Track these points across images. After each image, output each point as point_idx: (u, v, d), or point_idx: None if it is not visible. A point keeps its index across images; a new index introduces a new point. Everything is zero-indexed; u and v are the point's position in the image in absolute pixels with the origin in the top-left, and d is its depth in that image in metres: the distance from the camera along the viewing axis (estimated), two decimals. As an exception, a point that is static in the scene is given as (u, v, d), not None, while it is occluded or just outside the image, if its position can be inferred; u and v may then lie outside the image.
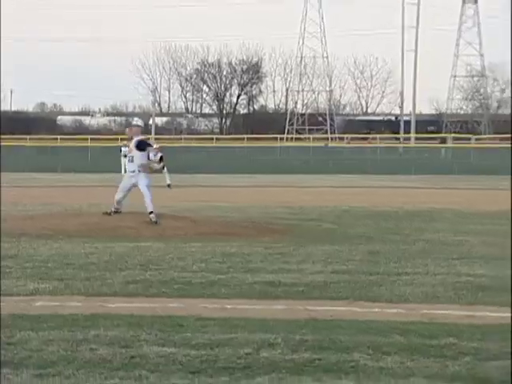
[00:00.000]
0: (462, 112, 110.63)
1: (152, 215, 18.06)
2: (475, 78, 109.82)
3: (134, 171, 18.52)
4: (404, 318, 9.38)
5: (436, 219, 21.55)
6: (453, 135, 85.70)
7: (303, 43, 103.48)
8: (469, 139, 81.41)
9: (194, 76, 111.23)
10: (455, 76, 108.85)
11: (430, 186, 39.77)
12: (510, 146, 55.22)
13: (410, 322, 9.14)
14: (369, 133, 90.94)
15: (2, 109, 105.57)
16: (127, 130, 19.93)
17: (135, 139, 18.69)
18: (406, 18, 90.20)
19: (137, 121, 21.29)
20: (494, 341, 8.16)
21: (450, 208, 24.87)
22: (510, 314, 9.30)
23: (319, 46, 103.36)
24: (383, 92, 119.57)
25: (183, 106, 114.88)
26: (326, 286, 11.36)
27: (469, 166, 56.35)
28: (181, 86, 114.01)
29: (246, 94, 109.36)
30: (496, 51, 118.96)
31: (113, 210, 18.73)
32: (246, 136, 76.36)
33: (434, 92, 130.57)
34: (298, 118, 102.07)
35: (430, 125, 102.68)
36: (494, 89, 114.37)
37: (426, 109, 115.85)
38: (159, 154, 25.92)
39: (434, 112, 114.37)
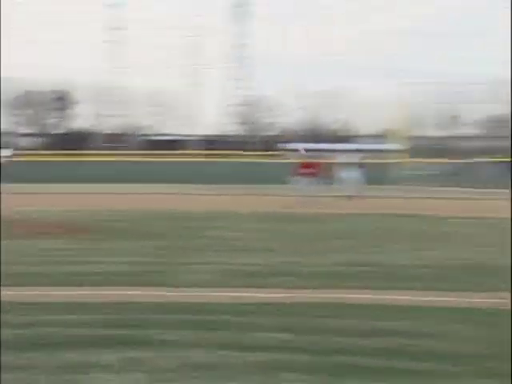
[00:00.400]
0: (237, 133, 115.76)
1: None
2: (247, 107, 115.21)
3: None
4: (183, 299, 9.47)
5: (218, 219, 21.80)
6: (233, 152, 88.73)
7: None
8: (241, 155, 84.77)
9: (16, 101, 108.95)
10: (230, 105, 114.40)
11: (215, 193, 40.18)
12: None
13: (187, 302, 9.26)
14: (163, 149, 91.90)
15: None
16: None
17: None
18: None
19: None
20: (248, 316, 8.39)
21: (228, 210, 25.23)
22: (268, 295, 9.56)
23: (122, 77, 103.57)
24: (174, 116, 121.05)
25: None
26: (123, 275, 11.33)
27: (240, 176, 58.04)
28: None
29: (61, 117, 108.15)
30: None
31: None
32: (63, 152, 75.18)
33: (214, 117, 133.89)
34: (105, 137, 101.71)
35: (211, 143, 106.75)
36: (262, 115, 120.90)
37: (208, 131, 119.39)
38: None
39: (214, 133, 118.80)
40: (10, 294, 9.55)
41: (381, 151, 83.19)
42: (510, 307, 9.06)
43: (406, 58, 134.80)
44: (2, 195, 28.62)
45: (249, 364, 6.44)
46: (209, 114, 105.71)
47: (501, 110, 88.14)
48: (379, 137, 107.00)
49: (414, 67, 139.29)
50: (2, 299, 9.04)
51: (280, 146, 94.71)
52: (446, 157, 74.28)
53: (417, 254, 14.25)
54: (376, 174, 56.95)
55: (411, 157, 73.87)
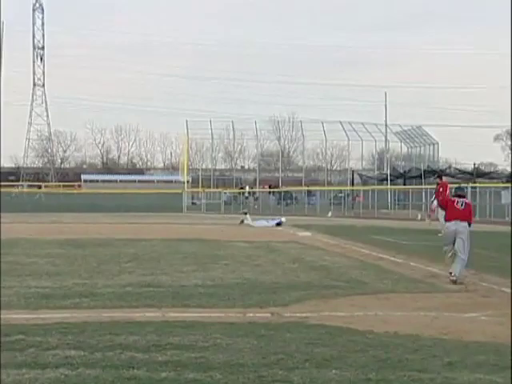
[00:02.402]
0: (35, 165, 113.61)
1: None
2: (44, 141, 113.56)
3: None
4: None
5: (18, 246, 20.99)
6: (29, 183, 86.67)
7: None
8: (40, 187, 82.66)
9: None
10: (29, 138, 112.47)
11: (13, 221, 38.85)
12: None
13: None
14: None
15: None
16: None
17: None
18: None
19: None
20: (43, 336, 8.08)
21: (24, 237, 24.35)
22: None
23: None
24: None
25: None
26: None
27: (40, 206, 56.34)
28: None
29: None
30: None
31: None
32: None
33: (13, 150, 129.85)
34: None
35: (11, 175, 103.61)
36: (58, 149, 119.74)
37: (7, 162, 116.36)
38: None
39: (13, 165, 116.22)
40: None
41: (170, 182, 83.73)
42: (281, 322, 9.30)
43: (191, 99, 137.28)
44: None
45: (40, 382, 6.18)
46: (6, 148, 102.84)
47: (274, 146, 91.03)
48: (168, 169, 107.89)
49: (197, 107, 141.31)
50: None
51: (77, 177, 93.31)
52: (226, 187, 75.82)
53: (202, 275, 14.34)
54: (165, 202, 57.38)
55: (196, 187, 74.89)
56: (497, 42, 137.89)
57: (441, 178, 32.53)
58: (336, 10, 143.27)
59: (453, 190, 16.50)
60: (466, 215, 14.65)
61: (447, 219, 14.95)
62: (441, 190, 30.83)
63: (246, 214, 35.00)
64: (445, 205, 15.57)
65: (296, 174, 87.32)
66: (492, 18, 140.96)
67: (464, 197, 15.44)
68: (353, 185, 73.50)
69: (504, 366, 6.79)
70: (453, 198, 15.23)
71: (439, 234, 25.67)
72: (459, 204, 14.77)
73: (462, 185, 28.38)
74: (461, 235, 14.32)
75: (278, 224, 33.96)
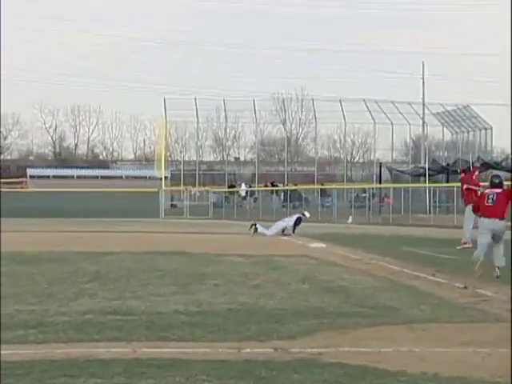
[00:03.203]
0: None
1: None
2: None
3: None
4: None
5: None
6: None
7: None
8: None
9: None
10: None
11: None
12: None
13: None
14: None
15: None
16: None
17: None
18: None
19: None
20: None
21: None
22: None
23: None
24: None
25: None
26: None
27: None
28: None
29: None
30: None
31: None
32: None
33: None
34: None
35: None
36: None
37: None
38: None
39: None
40: None
41: (143, 178, 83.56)
42: (286, 359, 9.32)
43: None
44: None
45: None
46: None
47: (278, 131, 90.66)
48: (141, 161, 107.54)
49: (178, 82, 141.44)
50: None
51: (21, 171, 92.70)
52: (215, 184, 75.42)
53: (185, 298, 14.34)
54: (136, 205, 57.26)
55: (177, 184, 74.52)
56: None
57: (464, 172, 30.63)
58: None
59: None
60: (498, 211, 14.84)
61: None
62: (465, 187, 29.64)
63: (255, 225, 34.65)
64: (476, 206, 15.93)
65: (306, 168, 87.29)
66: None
67: (500, 186, 15.49)
68: (380, 182, 73.48)
69: None
70: (485, 192, 15.37)
71: (458, 247, 25.71)
72: (489, 199, 14.91)
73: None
74: (498, 238, 14.67)
75: (298, 221, 33.76)
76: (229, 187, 73.02)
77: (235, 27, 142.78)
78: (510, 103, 70.41)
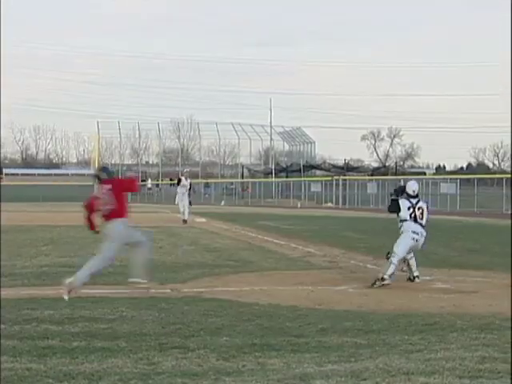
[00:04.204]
0: None
1: None
2: None
3: None
4: None
5: None
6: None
7: None
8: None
9: None
10: None
11: None
12: None
13: None
14: None
15: None
16: None
17: None
18: None
19: None
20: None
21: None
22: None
23: None
24: None
25: None
26: None
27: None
28: None
29: None
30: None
31: None
32: None
33: None
34: None
35: None
36: None
37: None
38: None
39: None
40: None
41: (83, 175, 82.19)
42: (180, 296, 9.26)
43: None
44: None
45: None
46: None
47: (175, 144, 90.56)
48: (81, 164, 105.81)
49: (107, 110, 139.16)
50: None
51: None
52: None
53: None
54: (78, 193, 56.10)
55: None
56: (366, 56, 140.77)
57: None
58: (227, 27, 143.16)
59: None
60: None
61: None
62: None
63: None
64: None
65: (194, 169, 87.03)
66: (364, 38, 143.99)
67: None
68: (242, 177, 73.88)
69: (367, 331, 6.96)
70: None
71: None
72: None
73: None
74: None
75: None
76: (141, 181, 72.79)
77: (145, 70, 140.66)
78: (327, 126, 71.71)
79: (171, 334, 6.75)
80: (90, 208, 9.47)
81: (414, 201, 10.80)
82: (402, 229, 10.79)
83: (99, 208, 9.36)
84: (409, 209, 10.69)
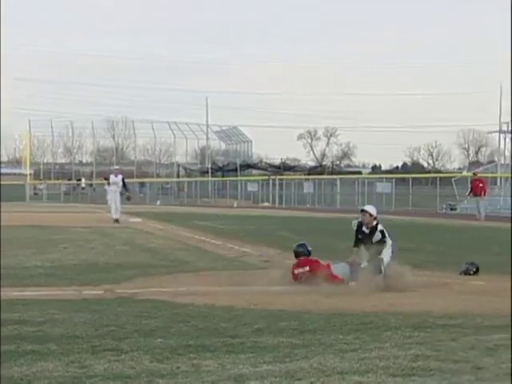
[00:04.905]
0: None
1: None
2: None
3: None
4: None
5: None
6: None
7: None
8: None
9: None
10: None
11: None
12: None
13: None
14: None
15: None
16: None
17: None
18: None
19: None
20: None
21: None
22: None
23: None
24: None
25: None
26: None
27: None
28: None
29: None
30: None
31: None
32: None
33: None
34: None
35: None
36: None
37: None
38: None
39: None
40: None
41: (14, 174, 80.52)
42: (113, 297, 9.17)
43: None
44: None
45: None
46: None
47: (109, 143, 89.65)
48: (12, 163, 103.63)
49: (39, 108, 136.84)
50: None
51: None
52: (65, 178, 74.05)
53: (42, 257, 13.90)
54: (9, 192, 55.07)
55: (37, 178, 72.46)
56: (302, 55, 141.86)
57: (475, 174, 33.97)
58: (162, 24, 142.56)
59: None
60: None
61: None
62: (481, 185, 31.34)
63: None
64: None
65: (129, 168, 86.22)
66: (300, 37, 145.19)
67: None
68: (178, 177, 73.55)
69: (303, 330, 7.01)
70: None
71: None
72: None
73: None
74: None
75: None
76: (77, 180, 71.83)
77: (78, 71, 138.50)
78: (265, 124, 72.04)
79: (104, 337, 6.66)
80: None
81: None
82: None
83: None
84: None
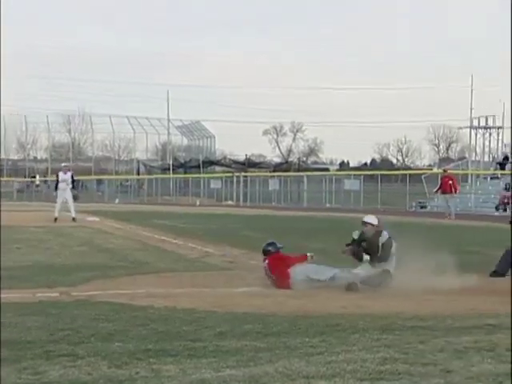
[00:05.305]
0: None
1: None
2: None
3: None
4: None
5: None
6: None
7: None
8: None
9: None
10: None
11: None
12: None
13: None
14: None
15: None
16: None
17: None
18: None
19: None
20: None
21: None
22: None
23: None
24: None
25: None
26: None
27: None
28: None
29: None
30: None
31: None
32: None
33: None
34: None
35: None
36: None
37: None
38: None
39: None
40: None
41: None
42: (69, 300, 9.11)
43: None
44: None
45: None
46: None
47: (65, 138, 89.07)
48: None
49: None
50: None
51: None
52: (18, 176, 73.43)
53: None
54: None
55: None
56: (267, 48, 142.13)
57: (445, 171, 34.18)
58: (121, 15, 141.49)
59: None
60: None
61: None
62: (450, 182, 31.39)
63: None
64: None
65: (86, 164, 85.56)
66: (263, 28, 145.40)
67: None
68: (138, 174, 73.22)
69: (267, 333, 7.03)
70: None
71: None
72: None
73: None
74: None
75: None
76: (31, 177, 71.20)
77: (32, 63, 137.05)
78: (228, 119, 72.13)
79: (59, 341, 6.61)
80: None
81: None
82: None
83: None
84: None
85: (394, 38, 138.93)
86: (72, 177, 26.78)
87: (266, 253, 10.85)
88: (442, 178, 33.17)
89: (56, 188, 26.38)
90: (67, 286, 10.29)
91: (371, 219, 10.87)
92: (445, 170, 35.74)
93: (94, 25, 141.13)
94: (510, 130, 53.99)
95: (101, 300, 9.13)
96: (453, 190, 31.61)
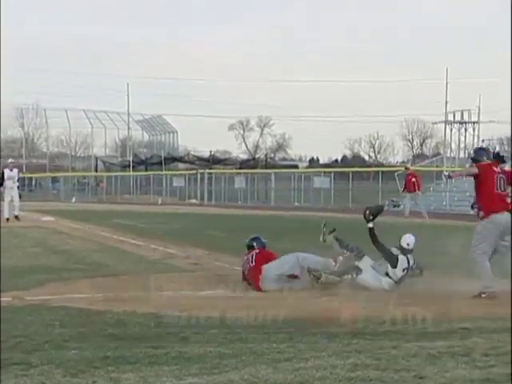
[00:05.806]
0: None
1: None
2: None
3: None
4: None
5: None
6: None
7: None
8: None
9: None
10: None
11: None
12: None
13: None
14: None
15: None
16: None
17: None
18: None
19: None
20: None
21: None
22: None
23: None
24: None
25: None
26: None
27: None
28: None
29: None
30: None
31: None
32: None
33: None
34: None
35: None
36: None
37: None
38: None
39: None
40: None
41: None
42: (22, 305, 9.03)
43: None
44: None
45: None
46: None
47: (18, 133, 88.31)
48: None
49: None
50: None
51: None
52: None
53: None
54: None
55: None
56: (234, 39, 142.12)
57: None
58: (82, 4, 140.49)
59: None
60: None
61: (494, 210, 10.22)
62: (413, 180, 31.47)
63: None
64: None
65: (40, 161, 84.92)
66: (233, 19, 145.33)
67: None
68: (96, 171, 72.82)
69: (233, 339, 7.03)
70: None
71: None
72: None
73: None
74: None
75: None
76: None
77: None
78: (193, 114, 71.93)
79: (11, 349, 6.55)
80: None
81: (411, 261, 10.76)
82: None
83: None
84: (403, 270, 10.61)
85: (366, 28, 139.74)
86: (18, 174, 26.89)
87: (250, 248, 11.08)
88: (405, 177, 33.11)
89: (1, 186, 26.24)
90: (20, 290, 10.18)
91: None
92: (407, 168, 35.46)
93: (50, 12, 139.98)
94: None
95: (56, 305, 9.06)
96: (417, 187, 31.54)
